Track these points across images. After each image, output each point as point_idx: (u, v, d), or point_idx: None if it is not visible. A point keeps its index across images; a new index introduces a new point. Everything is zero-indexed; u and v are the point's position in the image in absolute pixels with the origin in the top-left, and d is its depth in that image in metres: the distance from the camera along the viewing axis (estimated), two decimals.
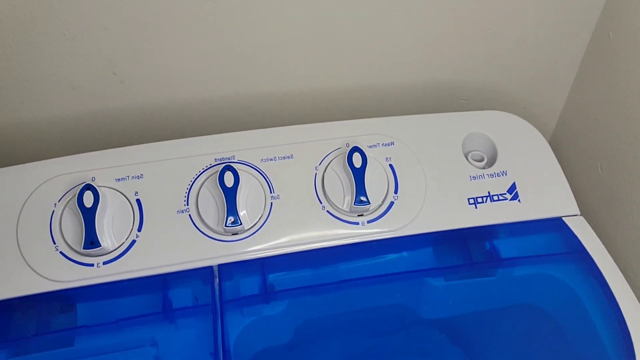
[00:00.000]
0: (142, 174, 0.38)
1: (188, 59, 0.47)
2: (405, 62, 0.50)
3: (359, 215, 0.38)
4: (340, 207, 0.38)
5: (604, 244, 0.52)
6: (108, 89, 0.48)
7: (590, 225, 0.53)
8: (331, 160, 0.39)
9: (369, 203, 0.37)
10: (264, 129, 0.41)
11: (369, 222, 0.38)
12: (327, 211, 0.38)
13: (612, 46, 0.51)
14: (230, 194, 0.36)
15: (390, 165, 0.40)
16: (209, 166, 0.39)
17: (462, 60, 0.51)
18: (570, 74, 0.56)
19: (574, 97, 0.57)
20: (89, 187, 0.36)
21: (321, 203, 0.38)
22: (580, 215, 0.40)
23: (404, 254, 0.39)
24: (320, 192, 0.39)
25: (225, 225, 0.36)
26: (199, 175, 0.38)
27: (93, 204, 0.35)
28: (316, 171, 0.39)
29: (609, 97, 0.51)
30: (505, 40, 0.51)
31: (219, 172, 0.37)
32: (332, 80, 0.50)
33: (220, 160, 0.39)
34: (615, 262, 0.49)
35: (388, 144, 0.41)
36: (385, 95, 0.52)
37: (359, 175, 0.38)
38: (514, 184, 0.40)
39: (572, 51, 0.53)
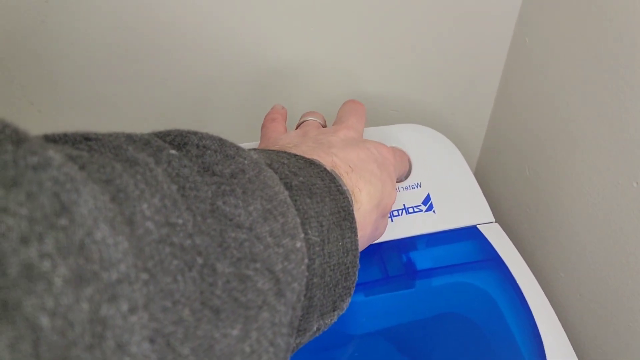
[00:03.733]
0: None
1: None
2: (334, 76, 0.50)
3: None
4: None
5: (534, 244, 0.54)
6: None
7: (523, 228, 0.55)
8: None
9: None
10: None
11: None
12: None
13: (529, 50, 0.52)
14: None
15: None
16: None
17: (388, 74, 0.52)
18: (494, 79, 0.57)
19: (500, 103, 0.59)
20: None
21: None
22: (495, 222, 0.41)
23: None
24: None
25: None
26: None
27: None
28: None
29: (532, 99, 0.53)
30: (426, 54, 0.52)
31: None
32: None
33: None
34: (551, 262, 0.50)
35: None
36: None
37: None
38: (428, 195, 0.41)
39: (494, 57, 0.55)
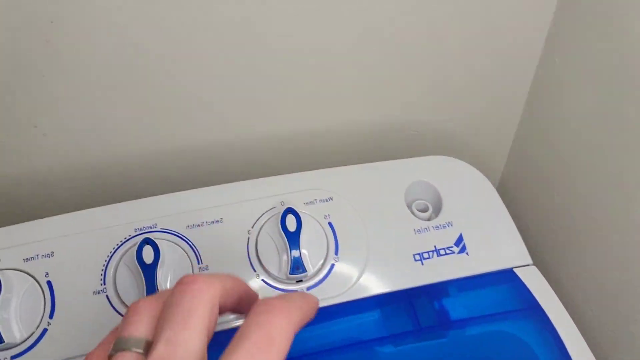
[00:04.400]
0: (52, 252, 0.34)
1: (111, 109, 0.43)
2: (349, 103, 0.47)
3: (297, 282, 0.35)
4: (276, 274, 0.35)
5: (567, 276, 0.51)
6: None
7: (550, 261, 0.52)
8: (265, 222, 0.36)
9: (305, 271, 0.34)
10: (189, 191, 0.38)
11: (308, 289, 0.35)
12: (262, 279, 0.35)
13: (559, 71, 0.49)
14: (149, 272, 0.33)
15: (330, 224, 0.37)
16: (127, 238, 0.35)
17: (406, 98, 0.49)
18: (519, 100, 0.54)
19: (524, 126, 0.56)
20: None
21: (255, 271, 0.35)
22: (533, 264, 0.38)
23: (348, 321, 0.36)
24: (254, 258, 0.35)
25: None
26: (116, 250, 0.34)
27: None
28: (249, 235, 0.36)
29: (560, 122, 0.50)
30: (451, 74, 0.49)
31: (136, 247, 0.33)
32: (271, 127, 0.47)
33: (140, 230, 0.35)
34: (579, 290, 0.47)
35: (326, 200, 0.38)
36: (327, 139, 0.49)
37: (294, 240, 0.35)
38: (460, 235, 0.38)
39: (521, 78, 0.52)
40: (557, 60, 0.50)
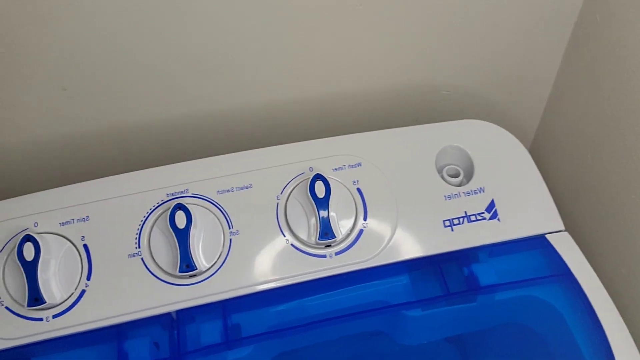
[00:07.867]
0: (87, 216, 0.35)
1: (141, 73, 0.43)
2: (378, 66, 0.46)
3: (326, 247, 0.36)
4: (305, 239, 0.35)
5: (599, 239, 0.50)
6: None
7: (584, 228, 0.51)
8: (293, 188, 0.36)
9: (334, 237, 0.34)
10: (219, 156, 0.38)
11: (337, 253, 0.35)
12: (292, 244, 0.35)
13: (599, 29, 0.47)
14: (182, 236, 0.33)
15: (358, 190, 0.37)
16: (159, 203, 0.35)
17: (437, 58, 0.47)
18: (554, 61, 0.52)
19: (559, 87, 0.54)
20: (28, 237, 0.33)
21: (284, 236, 0.36)
22: (565, 230, 0.38)
23: (377, 285, 0.36)
24: (283, 223, 0.36)
25: (180, 271, 0.33)
26: (149, 215, 0.35)
27: (34, 256, 0.32)
28: (278, 201, 0.36)
29: (597, 84, 0.48)
30: (482, 29, 0.47)
31: (169, 212, 0.34)
32: (303, 90, 0.46)
33: (172, 195, 0.36)
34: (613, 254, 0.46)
35: (354, 166, 0.37)
36: (357, 103, 0.48)
37: (322, 206, 0.35)
38: (492, 201, 0.37)
39: (556, 37, 0.50)
40: (598, 17, 0.47)
